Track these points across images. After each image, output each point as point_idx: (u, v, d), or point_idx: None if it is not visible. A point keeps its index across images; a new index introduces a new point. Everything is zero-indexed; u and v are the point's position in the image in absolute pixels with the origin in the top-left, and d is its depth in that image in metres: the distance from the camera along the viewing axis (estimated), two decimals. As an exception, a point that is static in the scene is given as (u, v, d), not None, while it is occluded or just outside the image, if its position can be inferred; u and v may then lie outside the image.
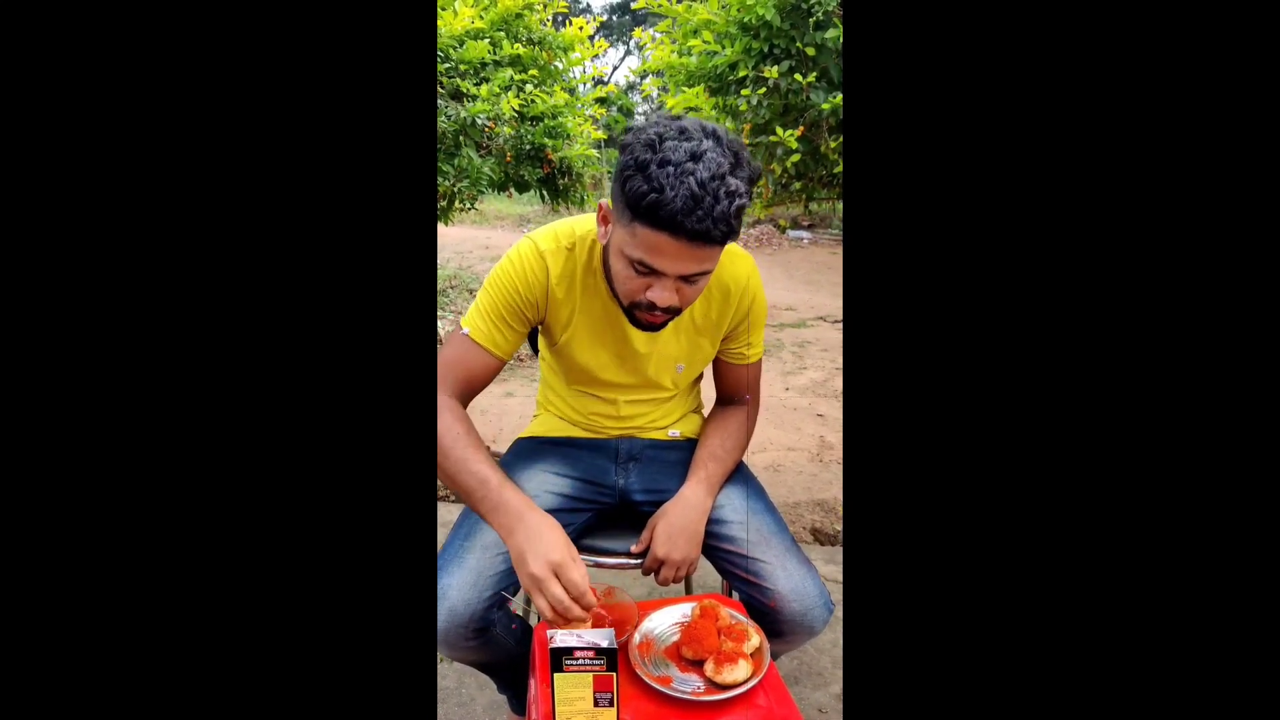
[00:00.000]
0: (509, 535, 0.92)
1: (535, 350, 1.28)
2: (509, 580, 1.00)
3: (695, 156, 0.80)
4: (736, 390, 1.20)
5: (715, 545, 1.09)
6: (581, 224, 1.04)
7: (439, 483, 2.29)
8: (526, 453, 1.20)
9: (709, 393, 1.27)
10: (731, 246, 0.99)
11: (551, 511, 1.06)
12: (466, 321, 1.04)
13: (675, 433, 1.23)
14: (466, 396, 1.04)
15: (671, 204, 0.79)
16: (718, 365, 1.19)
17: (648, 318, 0.94)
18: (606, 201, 0.93)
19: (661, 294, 0.88)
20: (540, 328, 1.11)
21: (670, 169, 0.79)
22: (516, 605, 1.08)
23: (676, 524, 1.05)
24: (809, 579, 1.02)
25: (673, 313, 0.93)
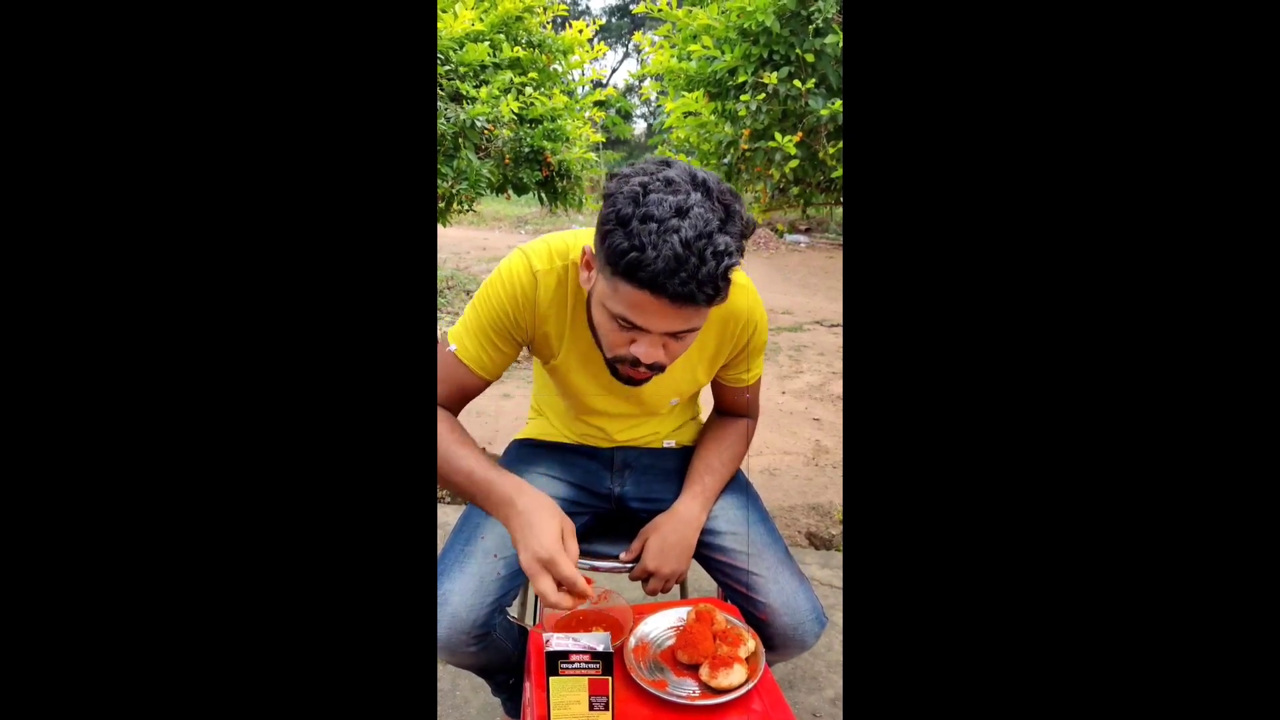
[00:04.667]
0: (506, 523, 0.88)
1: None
2: (511, 585, 0.99)
3: (681, 211, 0.73)
4: (735, 407, 1.18)
5: (709, 555, 1.08)
6: (578, 240, 0.96)
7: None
8: (522, 456, 1.19)
9: (706, 398, 1.27)
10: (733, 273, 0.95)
11: None
12: (454, 336, 0.98)
13: (670, 443, 1.21)
14: (456, 408, 1.01)
15: (653, 264, 0.73)
16: (716, 387, 1.15)
17: (631, 373, 0.88)
18: (590, 247, 0.86)
19: (647, 350, 0.82)
20: (530, 346, 1.05)
21: (653, 225, 0.73)
22: (513, 611, 1.08)
23: (669, 539, 1.04)
24: (801, 593, 1.01)
25: (658, 369, 0.87)
